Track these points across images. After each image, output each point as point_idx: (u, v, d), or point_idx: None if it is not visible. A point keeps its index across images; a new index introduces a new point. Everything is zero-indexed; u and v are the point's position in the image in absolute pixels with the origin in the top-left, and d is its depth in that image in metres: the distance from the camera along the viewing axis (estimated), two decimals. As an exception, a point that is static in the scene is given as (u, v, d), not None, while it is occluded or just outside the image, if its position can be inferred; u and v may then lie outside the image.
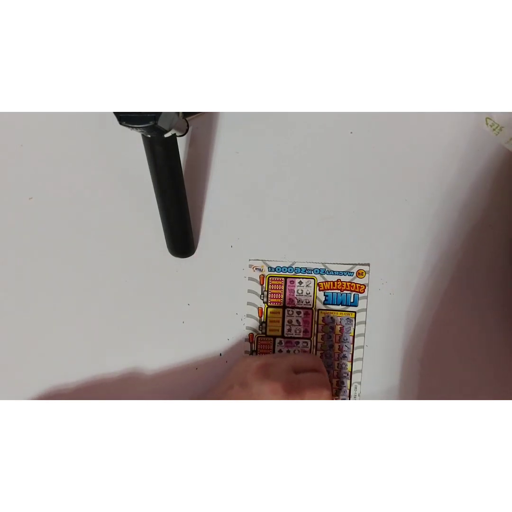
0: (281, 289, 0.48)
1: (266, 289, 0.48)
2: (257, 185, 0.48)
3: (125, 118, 0.35)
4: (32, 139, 0.47)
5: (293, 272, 0.48)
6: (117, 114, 0.35)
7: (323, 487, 0.31)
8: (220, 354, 0.48)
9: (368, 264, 0.47)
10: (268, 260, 0.47)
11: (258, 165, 0.48)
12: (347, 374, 0.48)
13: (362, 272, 0.47)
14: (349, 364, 0.48)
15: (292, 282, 0.48)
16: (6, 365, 0.47)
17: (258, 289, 0.48)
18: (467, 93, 0.32)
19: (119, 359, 0.47)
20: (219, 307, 0.48)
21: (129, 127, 0.36)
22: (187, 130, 0.42)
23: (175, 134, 0.40)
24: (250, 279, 0.48)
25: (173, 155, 0.42)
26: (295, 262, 0.47)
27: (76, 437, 0.33)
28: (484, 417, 0.32)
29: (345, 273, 0.47)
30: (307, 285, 0.48)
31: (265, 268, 0.47)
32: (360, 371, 0.48)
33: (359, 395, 0.47)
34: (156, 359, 0.47)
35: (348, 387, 0.48)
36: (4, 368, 0.47)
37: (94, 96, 0.32)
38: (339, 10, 0.31)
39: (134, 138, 0.42)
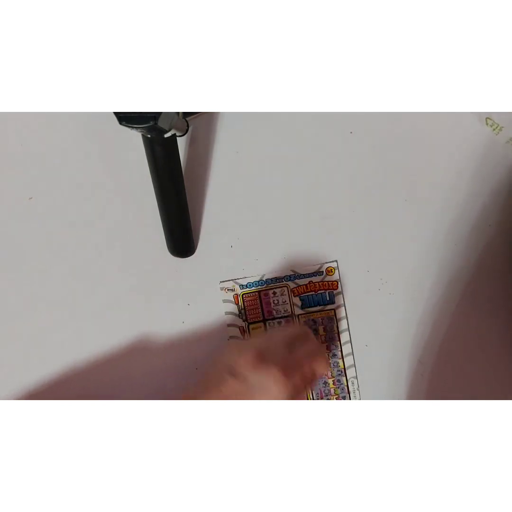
0: (257, 304, 0.48)
1: (243, 307, 0.47)
2: (257, 185, 0.48)
3: (125, 118, 0.35)
4: (32, 139, 0.47)
5: (265, 285, 0.47)
6: (117, 114, 0.35)
7: (322, 487, 0.31)
8: (220, 354, 0.48)
9: (336, 261, 0.47)
10: (237, 279, 0.47)
11: (258, 165, 0.48)
12: (341, 371, 0.48)
13: (331, 269, 0.47)
14: (340, 361, 0.48)
15: (266, 295, 0.48)
16: (8, 364, 0.47)
17: (234, 309, 0.47)
18: (467, 93, 0.32)
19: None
20: (219, 307, 0.47)
21: (129, 127, 0.36)
22: (187, 130, 0.42)
23: (175, 134, 0.40)
24: (225, 301, 0.47)
25: (173, 155, 0.42)
26: (265, 275, 0.47)
27: (74, 437, 0.33)
28: (484, 417, 0.32)
29: (314, 274, 0.47)
30: (281, 294, 0.48)
31: (237, 287, 0.47)
32: (353, 365, 0.48)
33: (358, 389, 0.47)
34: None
35: (345, 384, 0.48)
36: (6, 367, 0.47)
37: (94, 96, 0.32)
38: (338, 10, 0.31)
39: (134, 138, 0.42)
